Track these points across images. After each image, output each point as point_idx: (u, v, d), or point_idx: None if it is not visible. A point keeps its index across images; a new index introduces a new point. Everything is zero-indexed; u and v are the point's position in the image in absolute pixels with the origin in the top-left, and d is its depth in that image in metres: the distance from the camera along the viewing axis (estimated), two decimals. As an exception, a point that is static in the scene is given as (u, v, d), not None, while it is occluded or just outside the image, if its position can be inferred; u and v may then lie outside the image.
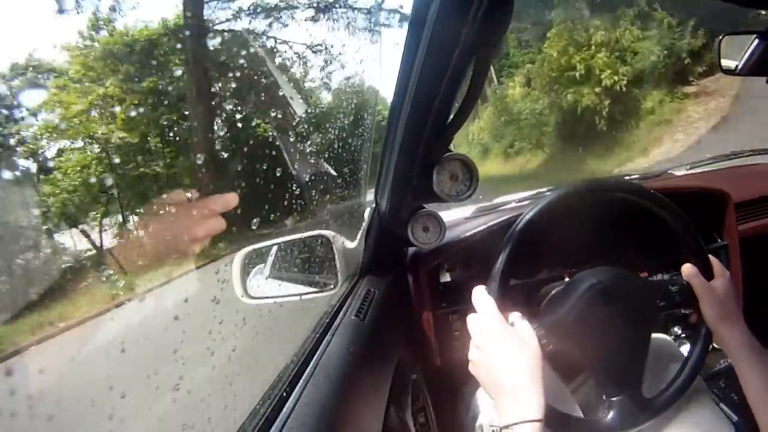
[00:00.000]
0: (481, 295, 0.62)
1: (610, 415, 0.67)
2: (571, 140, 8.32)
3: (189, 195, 0.49)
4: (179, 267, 0.51)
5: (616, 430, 0.66)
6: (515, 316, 0.61)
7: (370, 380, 0.62)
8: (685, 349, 0.98)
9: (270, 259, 1.33)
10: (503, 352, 0.57)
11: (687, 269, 0.70)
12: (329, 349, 0.58)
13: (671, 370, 0.73)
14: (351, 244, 0.93)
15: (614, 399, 0.67)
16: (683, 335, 1.09)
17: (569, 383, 0.83)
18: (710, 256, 0.73)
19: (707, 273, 0.71)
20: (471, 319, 0.62)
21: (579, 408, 0.77)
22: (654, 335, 0.74)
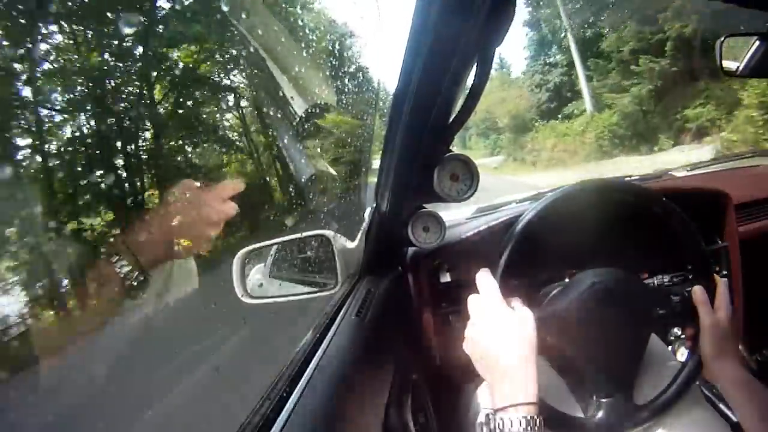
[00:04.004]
0: (485, 277, 0.63)
1: (598, 415, 0.66)
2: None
3: (198, 184, 0.50)
4: (198, 253, 0.51)
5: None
6: (516, 301, 0.62)
7: (370, 380, 0.61)
8: (683, 351, 0.97)
9: (270, 259, 1.33)
10: (499, 331, 0.57)
11: (698, 293, 0.69)
12: (329, 349, 0.58)
13: (664, 375, 0.73)
14: (351, 244, 0.93)
15: (603, 400, 0.67)
16: (682, 336, 1.08)
17: (565, 380, 0.83)
18: (717, 283, 0.71)
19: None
20: (472, 298, 0.62)
21: (574, 405, 0.77)
22: (651, 337, 0.74)
